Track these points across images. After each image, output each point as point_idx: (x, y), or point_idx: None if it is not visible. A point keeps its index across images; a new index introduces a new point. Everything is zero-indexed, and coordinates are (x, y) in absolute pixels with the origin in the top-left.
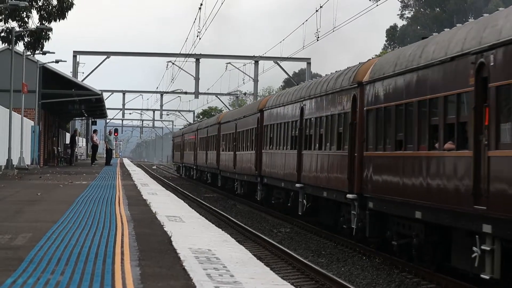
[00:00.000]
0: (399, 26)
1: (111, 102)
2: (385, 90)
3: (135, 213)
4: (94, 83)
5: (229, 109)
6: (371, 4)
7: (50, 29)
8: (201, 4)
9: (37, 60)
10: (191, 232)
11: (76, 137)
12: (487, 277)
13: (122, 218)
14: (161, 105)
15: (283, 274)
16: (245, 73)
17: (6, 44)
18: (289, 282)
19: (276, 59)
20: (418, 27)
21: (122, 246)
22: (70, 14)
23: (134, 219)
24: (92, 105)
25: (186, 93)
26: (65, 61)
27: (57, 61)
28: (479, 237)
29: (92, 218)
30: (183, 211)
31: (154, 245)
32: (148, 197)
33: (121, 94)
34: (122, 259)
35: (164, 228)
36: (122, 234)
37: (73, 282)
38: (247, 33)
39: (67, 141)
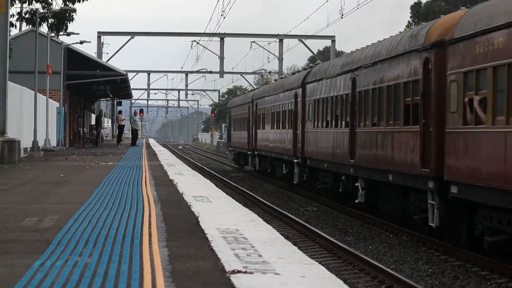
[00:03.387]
0: (423, 2)
1: (136, 82)
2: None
3: (162, 193)
4: (118, 63)
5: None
6: None
7: (74, 10)
8: None
9: (62, 42)
10: (218, 212)
11: (102, 118)
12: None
13: (149, 199)
14: (186, 85)
15: (311, 253)
16: (269, 52)
17: (30, 26)
18: (316, 261)
19: (300, 37)
20: (443, 3)
21: (149, 227)
22: None
23: (161, 199)
24: (117, 85)
25: (211, 72)
26: (90, 42)
27: (81, 42)
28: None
29: (119, 199)
30: (210, 191)
31: (182, 225)
32: (175, 177)
33: (146, 74)
34: (150, 240)
35: (191, 209)
36: (150, 215)
37: (101, 264)
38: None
39: (93, 122)
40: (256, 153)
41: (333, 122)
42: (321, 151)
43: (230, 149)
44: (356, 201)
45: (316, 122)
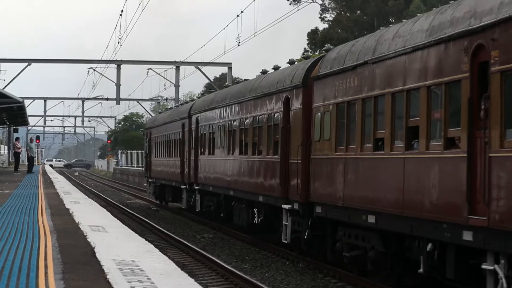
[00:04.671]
0: (320, 30)
1: (33, 109)
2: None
3: (58, 223)
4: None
5: (151, 115)
6: (292, 8)
7: None
8: (122, 11)
9: None
10: (115, 243)
11: None
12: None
13: (45, 229)
14: (83, 112)
15: (207, 281)
16: (166, 79)
17: None
18: None
19: (197, 64)
20: (339, 30)
21: (45, 259)
22: None
23: (57, 229)
24: (14, 112)
25: (107, 99)
26: None
27: None
28: None
29: (15, 230)
30: (106, 220)
31: (78, 257)
32: (71, 206)
33: (42, 101)
34: (46, 273)
35: (88, 239)
36: (46, 246)
37: None
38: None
39: None
40: (197, 187)
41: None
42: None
43: (150, 180)
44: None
45: None
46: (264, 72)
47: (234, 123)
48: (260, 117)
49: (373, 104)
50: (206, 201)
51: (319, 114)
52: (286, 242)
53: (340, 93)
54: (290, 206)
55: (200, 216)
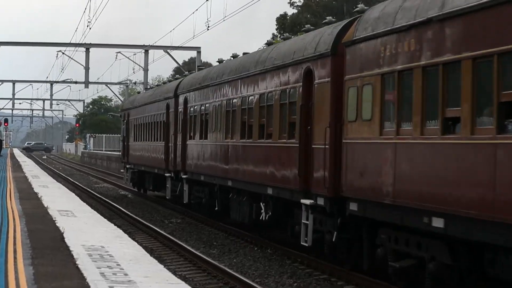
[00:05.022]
0: (289, 15)
1: (1, 92)
2: None
3: (26, 207)
4: None
5: (120, 98)
6: None
7: None
8: None
9: None
10: (84, 228)
11: None
12: None
13: (14, 213)
14: (51, 95)
15: (175, 266)
16: (135, 62)
17: None
18: (182, 274)
19: (166, 48)
20: (309, 15)
21: (14, 244)
22: None
23: (26, 214)
24: None
25: (76, 82)
26: None
27: None
28: None
29: None
30: (74, 205)
31: (47, 242)
32: (40, 190)
33: (11, 84)
34: (15, 258)
35: (56, 224)
36: (14, 231)
37: None
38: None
39: None
40: (184, 176)
41: None
42: None
43: (127, 166)
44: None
45: None
46: (234, 56)
47: (234, 102)
48: (269, 94)
49: (441, 73)
50: (195, 192)
51: (355, 88)
52: (306, 245)
53: (387, 60)
54: (312, 201)
55: (187, 208)
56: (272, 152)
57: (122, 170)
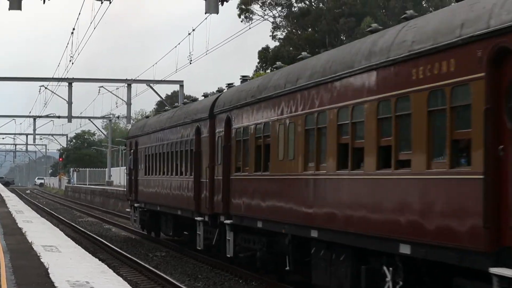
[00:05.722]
0: (271, 48)
1: None
2: None
3: (11, 243)
4: None
5: (103, 133)
6: (244, 26)
7: None
8: (74, 29)
9: None
10: (68, 263)
11: None
12: None
13: None
14: (34, 129)
15: None
16: (118, 97)
17: None
18: None
19: (148, 82)
20: (291, 48)
21: None
22: None
23: (10, 249)
24: None
25: (59, 117)
26: None
27: None
28: None
29: None
30: (59, 240)
31: (32, 278)
32: (24, 225)
33: None
34: None
35: (41, 259)
36: None
37: None
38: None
39: None
40: (228, 222)
41: None
42: None
43: (135, 205)
44: None
45: None
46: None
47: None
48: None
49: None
50: (243, 242)
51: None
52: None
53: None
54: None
55: (229, 263)
56: None
57: (128, 209)
